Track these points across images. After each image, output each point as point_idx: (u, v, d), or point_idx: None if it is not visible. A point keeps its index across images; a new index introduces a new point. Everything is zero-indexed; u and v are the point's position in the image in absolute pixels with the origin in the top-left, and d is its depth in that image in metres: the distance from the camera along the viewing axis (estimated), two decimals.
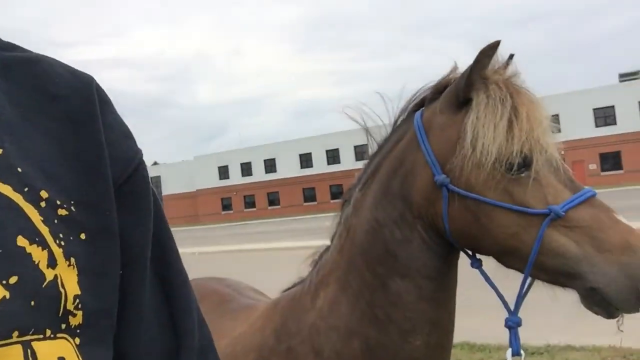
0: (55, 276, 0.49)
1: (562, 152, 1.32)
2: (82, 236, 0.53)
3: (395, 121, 1.47)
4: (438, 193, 1.29)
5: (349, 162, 45.23)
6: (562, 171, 1.27)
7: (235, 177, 56.93)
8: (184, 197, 60.55)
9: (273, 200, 54.98)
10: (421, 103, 1.43)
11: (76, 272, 0.51)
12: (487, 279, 1.36)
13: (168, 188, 62.26)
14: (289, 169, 53.43)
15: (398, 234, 1.33)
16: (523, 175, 1.24)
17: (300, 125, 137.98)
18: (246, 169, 56.34)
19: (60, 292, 0.49)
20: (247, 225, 36.25)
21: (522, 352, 1.32)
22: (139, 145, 0.65)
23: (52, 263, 0.49)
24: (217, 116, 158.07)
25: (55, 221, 0.51)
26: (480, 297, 6.78)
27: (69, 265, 0.51)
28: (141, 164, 0.64)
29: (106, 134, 0.59)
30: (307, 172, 52.55)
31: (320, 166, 51.57)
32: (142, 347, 0.60)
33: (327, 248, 1.53)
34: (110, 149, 0.59)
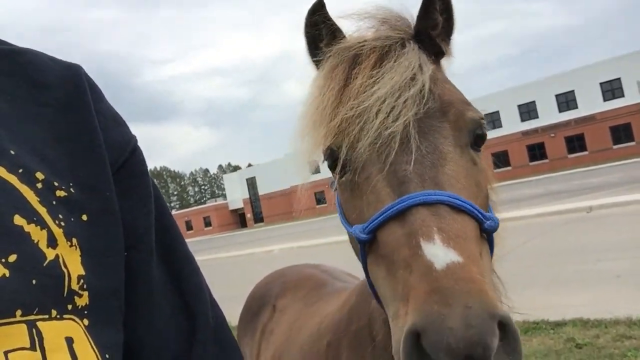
0: (57, 256, 0.49)
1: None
2: (84, 217, 0.53)
3: None
4: None
5: None
6: (398, 168, 0.87)
7: (327, 170, 57.24)
8: (279, 195, 62.26)
9: None
10: None
11: (79, 253, 0.51)
12: None
13: (264, 188, 64.44)
14: None
15: None
16: (343, 179, 0.99)
17: None
18: None
19: (63, 272, 0.49)
20: None
21: None
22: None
23: (52, 243, 0.49)
24: None
25: (54, 202, 0.51)
26: (592, 270, 6.39)
27: (71, 245, 0.50)
28: (137, 149, 0.63)
29: (98, 119, 0.59)
30: None
31: None
32: (155, 330, 0.59)
33: None
34: (104, 134, 0.59)
